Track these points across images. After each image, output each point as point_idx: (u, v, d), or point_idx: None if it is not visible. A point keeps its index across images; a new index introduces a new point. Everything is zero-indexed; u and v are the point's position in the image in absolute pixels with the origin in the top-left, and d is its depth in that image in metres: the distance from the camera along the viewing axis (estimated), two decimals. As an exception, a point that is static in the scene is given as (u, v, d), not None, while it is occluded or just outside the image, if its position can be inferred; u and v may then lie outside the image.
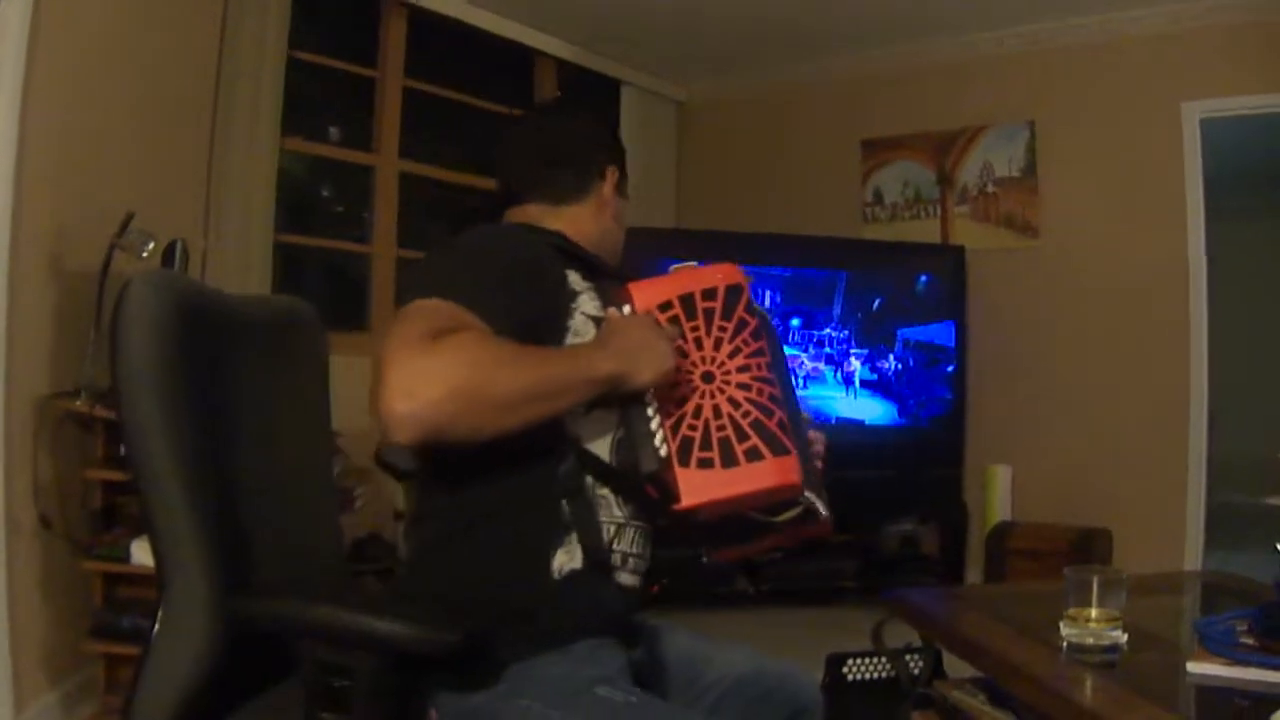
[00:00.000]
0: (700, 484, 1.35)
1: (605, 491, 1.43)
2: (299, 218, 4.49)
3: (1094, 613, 1.63)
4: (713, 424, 1.37)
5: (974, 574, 4.89)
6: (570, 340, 1.41)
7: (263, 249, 3.94)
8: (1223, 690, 1.48)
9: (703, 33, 5.21)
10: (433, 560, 1.45)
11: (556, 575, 1.38)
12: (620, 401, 1.38)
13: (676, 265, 1.51)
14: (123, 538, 2.85)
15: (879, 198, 5.47)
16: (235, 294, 1.60)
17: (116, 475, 2.83)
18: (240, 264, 3.82)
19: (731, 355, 1.41)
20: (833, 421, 4.74)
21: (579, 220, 1.62)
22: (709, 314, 1.44)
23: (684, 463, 1.35)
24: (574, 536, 1.39)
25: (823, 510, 1.46)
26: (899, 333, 4.89)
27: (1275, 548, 3.16)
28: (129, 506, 2.92)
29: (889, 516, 5.02)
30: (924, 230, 5.29)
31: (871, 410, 4.85)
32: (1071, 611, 1.66)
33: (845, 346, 4.83)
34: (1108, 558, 4.46)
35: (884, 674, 2.68)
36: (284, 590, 1.40)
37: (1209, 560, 4.43)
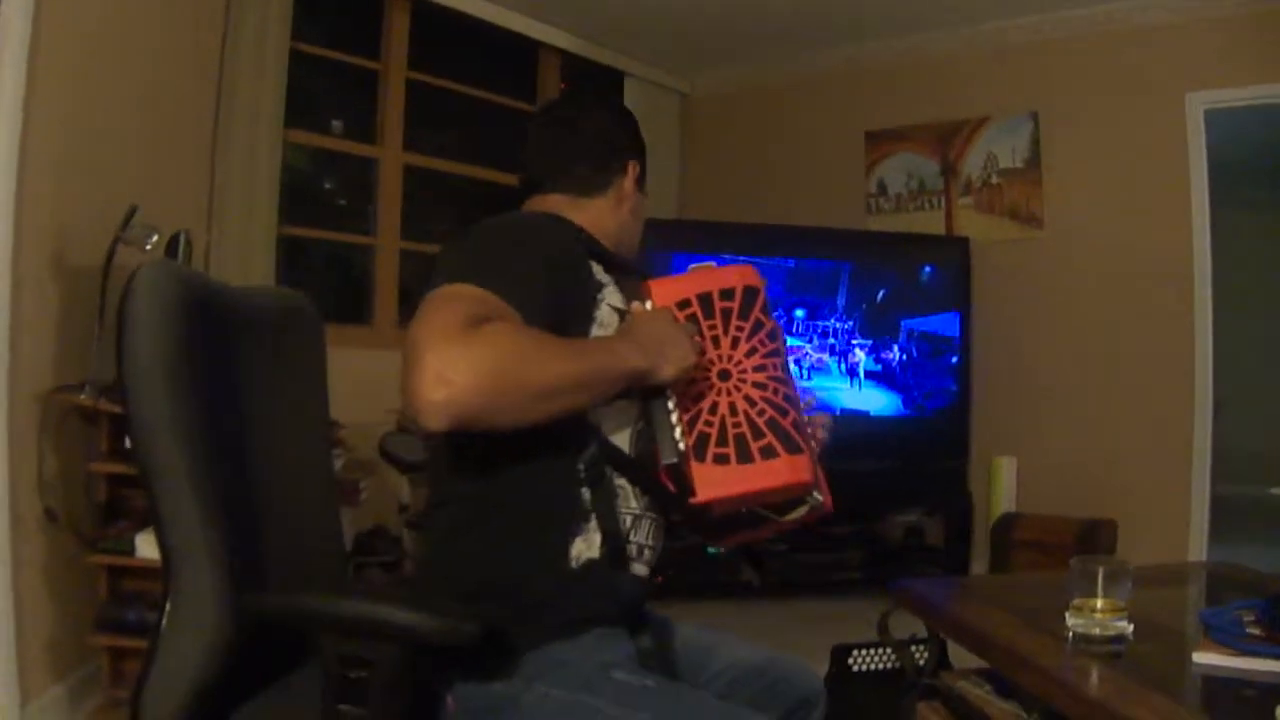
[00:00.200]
0: (716, 479, 1.37)
1: (623, 482, 1.45)
2: (302, 210, 4.49)
3: (1100, 603, 1.63)
4: (729, 421, 1.39)
5: (979, 565, 4.89)
6: (595, 330, 1.43)
7: (266, 242, 3.94)
8: (1229, 680, 1.48)
9: (706, 24, 5.20)
10: (453, 546, 1.45)
11: (574, 563, 1.39)
12: (641, 395, 1.40)
13: (695, 265, 1.54)
14: (127, 531, 2.86)
15: (883, 189, 5.46)
16: (239, 286, 1.60)
17: (121, 468, 2.83)
18: (243, 257, 3.82)
19: (748, 355, 1.44)
20: (837, 413, 4.73)
21: (600, 213, 1.63)
22: (726, 314, 1.47)
23: (700, 458, 1.37)
24: (593, 525, 1.40)
25: (824, 499, 1.48)
26: (903, 324, 4.88)
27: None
28: (134, 500, 2.92)
29: (894, 508, 5.03)
30: (928, 221, 5.28)
31: (876, 401, 4.85)
32: (1077, 602, 1.66)
33: (850, 338, 4.83)
34: (1112, 548, 4.45)
35: (889, 665, 2.68)
36: (301, 583, 1.41)
37: (1214, 551, 4.42)
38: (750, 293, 1.48)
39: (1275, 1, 4.25)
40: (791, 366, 1.65)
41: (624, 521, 1.43)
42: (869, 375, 4.85)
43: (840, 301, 4.84)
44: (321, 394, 1.68)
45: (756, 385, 1.42)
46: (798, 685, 1.60)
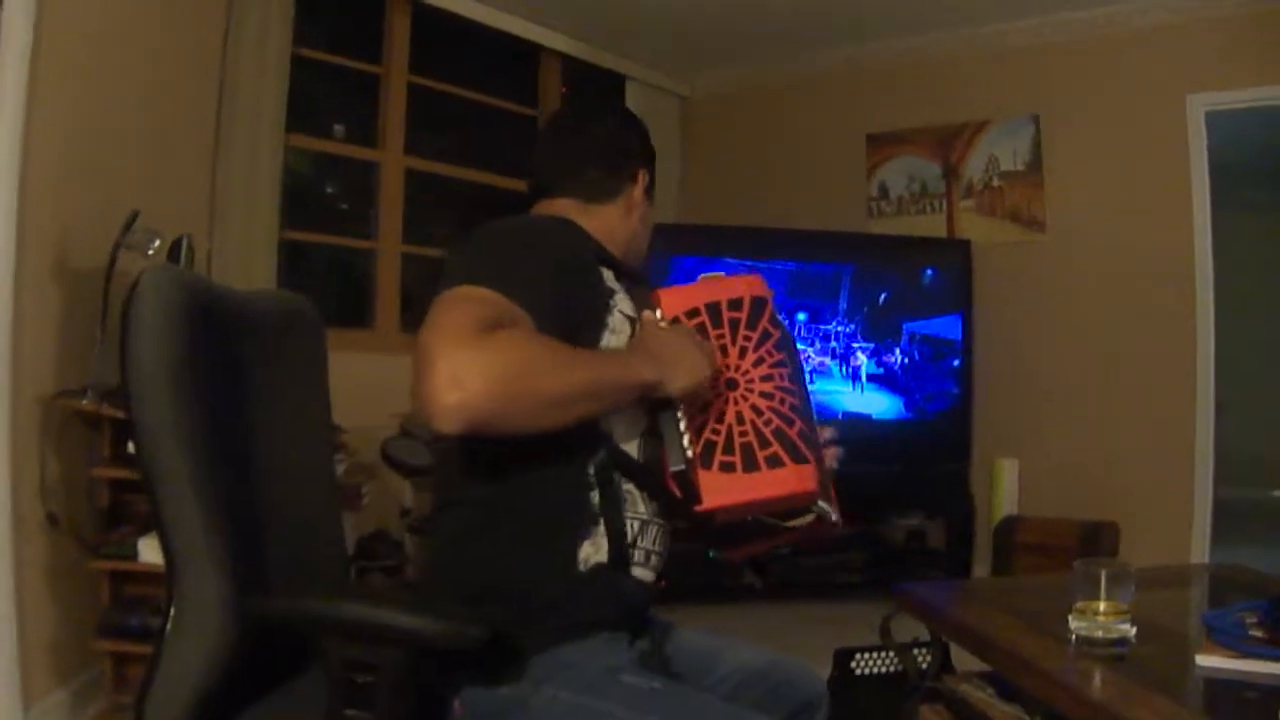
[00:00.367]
0: (721, 487, 1.37)
1: (631, 488, 1.45)
2: (304, 214, 4.50)
3: (1103, 606, 1.63)
4: (735, 429, 1.40)
5: (981, 568, 4.89)
6: (607, 336, 1.43)
7: (267, 246, 3.94)
8: (1232, 683, 1.48)
9: (707, 27, 5.21)
10: (461, 549, 1.45)
11: (582, 567, 1.40)
12: (651, 404, 1.41)
13: (705, 274, 1.55)
14: (130, 536, 2.86)
15: (884, 192, 5.46)
16: (241, 289, 1.60)
17: (123, 473, 2.83)
18: (245, 261, 3.82)
19: (755, 364, 1.45)
20: (839, 416, 4.75)
21: (609, 220, 1.63)
22: (734, 323, 1.48)
23: (706, 465, 1.38)
24: (601, 529, 1.40)
25: (834, 515, 1.48)
26: (905, 327, 4.88)
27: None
28: (136, 505, 2.92)
29: (896, 511, 5.03)
30: (929, 224, 5.29)
31: (878, 404, 4.85)
32: (1080, 605, 1.66)
33: (851, 341, 4.83)
34: (1115, 551, 4.45)
35: (892, 668, 2.68)
36: (304, 588, 1.40)
37: (1216, 553, 4.42)
38: (758, 303, 1.49)
39: (1275, 2, 4.25)
40: (804, 379, 1.65)
41: (631, 526, 1.44)
42: (871, 378, 4.85)
43: (842, 305, 4.84)
44: (323, 398, 1.68)
45: (763, 395, 1.43)
46: (801, 688, 1.60)
